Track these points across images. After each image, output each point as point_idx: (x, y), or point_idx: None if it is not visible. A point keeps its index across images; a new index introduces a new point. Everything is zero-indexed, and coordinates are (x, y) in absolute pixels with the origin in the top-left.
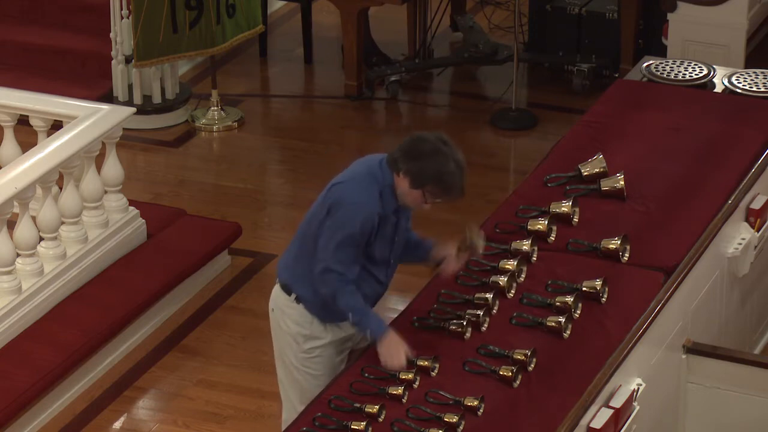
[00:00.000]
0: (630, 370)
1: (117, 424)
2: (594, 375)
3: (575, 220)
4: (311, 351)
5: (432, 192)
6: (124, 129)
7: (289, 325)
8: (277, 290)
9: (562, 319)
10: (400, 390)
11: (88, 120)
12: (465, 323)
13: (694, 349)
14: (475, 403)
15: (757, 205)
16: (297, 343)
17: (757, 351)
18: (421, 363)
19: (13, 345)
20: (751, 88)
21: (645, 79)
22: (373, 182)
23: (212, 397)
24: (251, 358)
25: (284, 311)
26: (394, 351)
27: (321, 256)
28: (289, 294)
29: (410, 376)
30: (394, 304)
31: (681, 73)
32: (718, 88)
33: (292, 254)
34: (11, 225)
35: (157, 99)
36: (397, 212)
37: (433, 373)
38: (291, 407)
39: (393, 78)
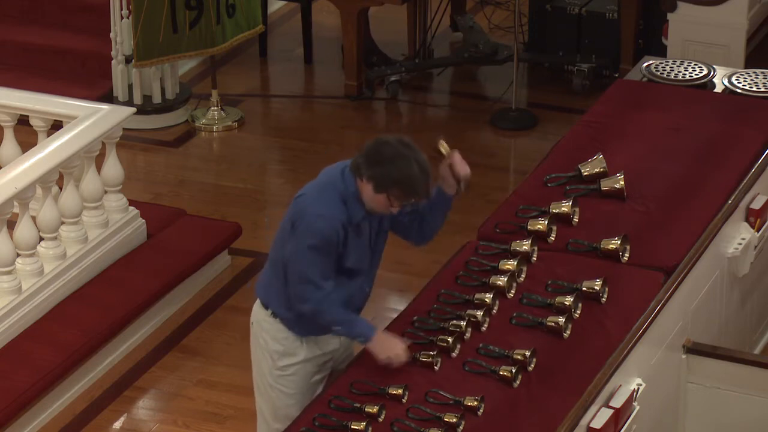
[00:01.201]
0: (630, 370)
1: (117, 424)
2: (594, 375)
3: (575, 220)
4: (286, 368)
5: (396, 195)
6: (124, 129)
7: (266, 340)
8: (257, 305)
9: (562, 319)
10: (400, 390)
11: (88, 120)
12: (464, 324)
13: (694, 349)
14: (475, 403)
15: (757, 205)
16: (272, 359)
17: (757, 351)
18: (424, 359)
19: (13, 345)
20: (751, 88)
21: (645, 79)
22: (333, 191)
23: (212, 397)
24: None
25: (262, 326)
26: (389, 346)
27: (292, 273)
28: (267, 309)
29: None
30: (394, 304)
31: (681, 73)
32: (718, 88)
33: (266, 273)
34: (11, 225)
35: (157, 99)
36: (370, 218)
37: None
38: (263, 421)
39: (393, 78)
